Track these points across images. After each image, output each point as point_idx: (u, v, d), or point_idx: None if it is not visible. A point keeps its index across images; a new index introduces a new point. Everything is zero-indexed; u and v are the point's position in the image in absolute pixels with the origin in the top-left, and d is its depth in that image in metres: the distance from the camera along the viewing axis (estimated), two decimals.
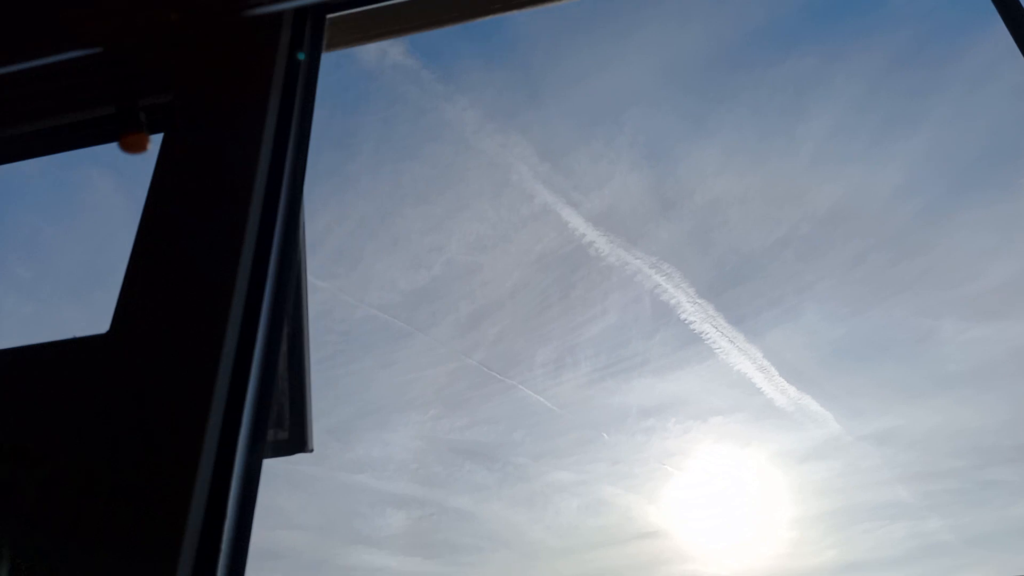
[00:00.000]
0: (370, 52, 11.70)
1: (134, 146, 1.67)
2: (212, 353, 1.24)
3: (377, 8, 2.06)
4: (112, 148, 1.74)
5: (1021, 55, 2.00)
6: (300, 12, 1.90)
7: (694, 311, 12.69)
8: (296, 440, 1.65)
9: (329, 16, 2.04)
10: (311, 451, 1.61)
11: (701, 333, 12.64)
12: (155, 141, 1.65)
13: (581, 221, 12.83)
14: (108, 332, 1.29)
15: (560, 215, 12.84)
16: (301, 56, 1.80)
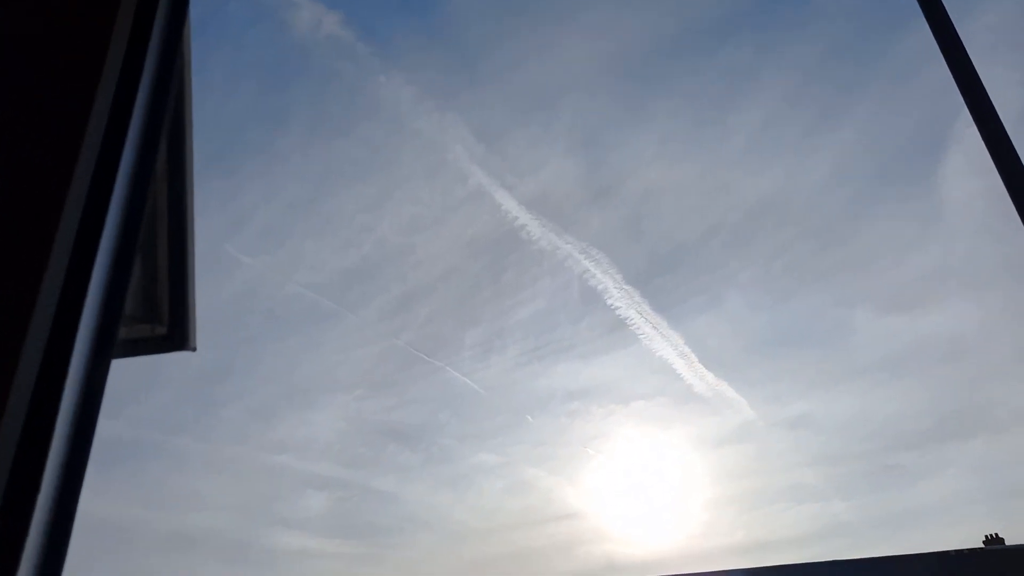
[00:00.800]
0: (304, 22, 11.34)
1: None
2: (41, 247, 1.11)
3: None
4: None
5: (941, 54, 2.08)
6: None
7: (621, 297, 12.94)
8: (176, 337, 1.51)
9: None
10: (193, 350, 1.50)
11: (627, 319, 12.91)
12: None
13: (515, 204, 12.86)
14: None
15: (494, 198, 12.83)
16: None
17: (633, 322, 12.59)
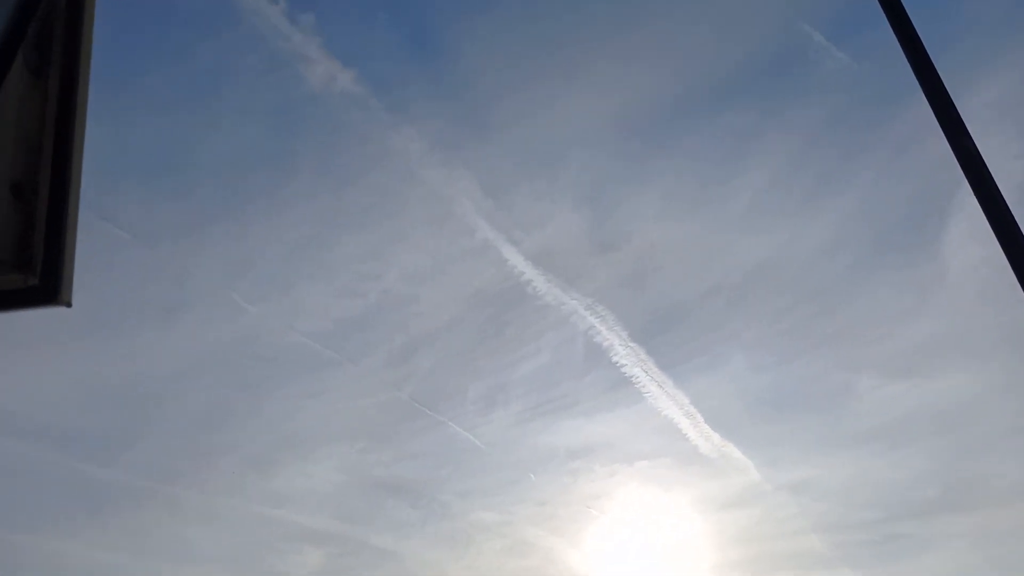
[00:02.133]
0: (318, 77, 11.63)
1: None
2: None
3: None
4: None
5: (941, 129, 2.14)
6: None
7: (626, 354, 12.89)
8: (49, 288, 1.37)
9: None
10: (68, 305, 1.38)
11: (631, 377, 12.84)
12: None
13: (520, 259, 12.94)
14: None
15: (500, 251, 12.92)
16: None
17: (638, 380, 12.52)
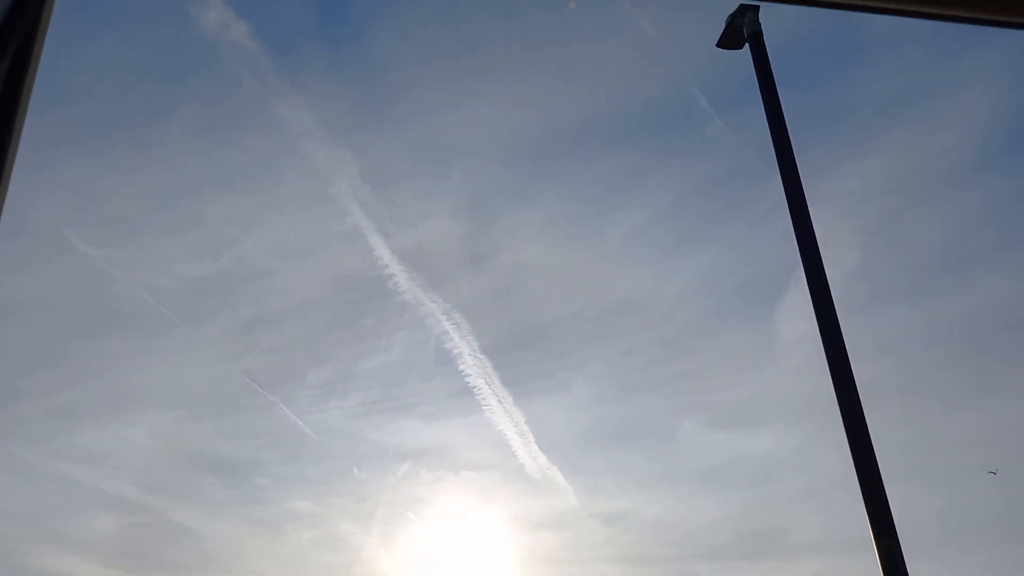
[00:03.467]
0: (210, 21, 10.99)
1: None
2: None
3: None
4: None
5: (787, 207, 2.35)
6: None
7: (474, 365, 13.04)
8: None
9: None
10: None
11: (475, 388, 12.98)
12: None
13: (387, 252, 12.80)
14: None
15: (368, 241, 12.72)
16: None
17: (480, 392, 12.68)
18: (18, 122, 1.49)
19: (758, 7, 3.18)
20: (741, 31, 3.16)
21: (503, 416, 12.58)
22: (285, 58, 11.47)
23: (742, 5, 3.20)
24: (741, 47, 3.14)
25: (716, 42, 3.25)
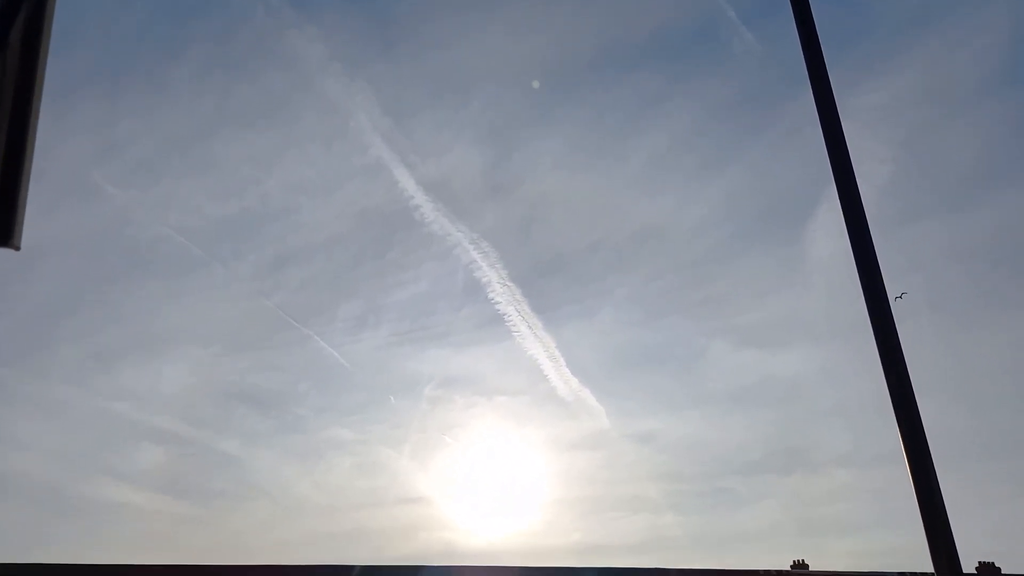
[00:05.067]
0: None
1: None
2: None
3: None
4: None
5: (819, 123, 2.27)
6: None
7: (503, 292, 13.07)
8: (1, 229, 1.34)
9: None
10: (17, 248, 1.35)
11: (504, 315, 13.05)
12: None
13: (412, 183, 12.68)
14: None
15: (392, 173, 12.60)
16: None
17: (510, 319, 12.79)
18: (40, 68, 1.48)
19: None
20: None
21: (534, 342, 12.69)
22: None
23: None
24: None
25: None
